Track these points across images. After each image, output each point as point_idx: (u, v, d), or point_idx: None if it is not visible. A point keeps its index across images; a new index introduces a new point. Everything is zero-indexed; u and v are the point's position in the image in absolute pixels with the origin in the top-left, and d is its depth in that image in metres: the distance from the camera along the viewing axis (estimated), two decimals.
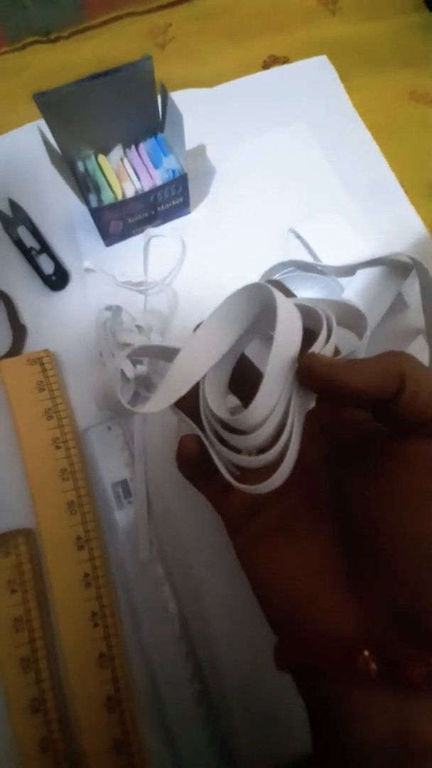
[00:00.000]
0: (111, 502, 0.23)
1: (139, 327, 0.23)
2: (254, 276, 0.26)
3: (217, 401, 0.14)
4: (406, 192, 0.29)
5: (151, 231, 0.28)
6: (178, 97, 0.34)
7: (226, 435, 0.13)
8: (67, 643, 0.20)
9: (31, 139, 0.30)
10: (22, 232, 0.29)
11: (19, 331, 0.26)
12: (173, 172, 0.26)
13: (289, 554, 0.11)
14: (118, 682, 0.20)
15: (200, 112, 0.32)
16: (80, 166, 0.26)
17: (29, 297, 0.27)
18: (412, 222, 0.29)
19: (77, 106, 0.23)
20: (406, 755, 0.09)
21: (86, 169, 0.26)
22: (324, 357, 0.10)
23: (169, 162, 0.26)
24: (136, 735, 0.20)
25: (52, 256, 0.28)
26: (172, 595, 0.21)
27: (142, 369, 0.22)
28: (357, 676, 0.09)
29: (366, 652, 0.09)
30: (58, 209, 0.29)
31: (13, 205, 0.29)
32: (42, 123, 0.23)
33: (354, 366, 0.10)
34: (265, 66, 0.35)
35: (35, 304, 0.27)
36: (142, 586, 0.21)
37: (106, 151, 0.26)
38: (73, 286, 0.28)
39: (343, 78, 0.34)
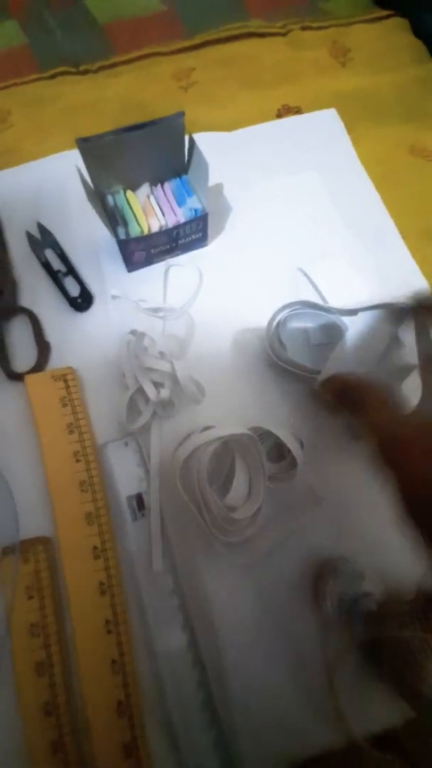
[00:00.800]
0: (125, 514, 0.24)
1: (161, 353, 0.25)
2: (265, 308, 0.28)
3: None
4: (403, 238, 0.32)
5: (170, 260, 0.31)
6: (199, 138, 0.37)
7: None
8: (81, 648, 0.21)
9: (61, 167, 0.32)
10: (50, 255, 0.30)
11: (44, 348, 0.28)
12: (196, 211, 0.28)
13: None
14: (128, 688, 0.21)
15: (218, 154, 0.35)
16: (110, 200, 0.28)
17: (55, 317, 0.29)
18: (409, 265, 0.32)
19: (113, 150, 0.25)
20: None
21: (115, 204, 0.28)
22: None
23: (193, 202, 0.28)
24: (144, 739, 0.21)
25: (78, 279, 0.30)
26: (181, 606, 0.23)
27: (165, 393, 0.24)
28: None
29: None
30: (84, 235, 0.31)
31: (42, 229, 0.31)
32: (75, 157, 0.25)
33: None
34: (279, 115, 0.38)
35: (60, 324, 0.29)
36: (152, 595, 0.23)
37: (134, 188, 0.29)
38: (96, 308, 0.29)
39: (350, 129, 0.37)
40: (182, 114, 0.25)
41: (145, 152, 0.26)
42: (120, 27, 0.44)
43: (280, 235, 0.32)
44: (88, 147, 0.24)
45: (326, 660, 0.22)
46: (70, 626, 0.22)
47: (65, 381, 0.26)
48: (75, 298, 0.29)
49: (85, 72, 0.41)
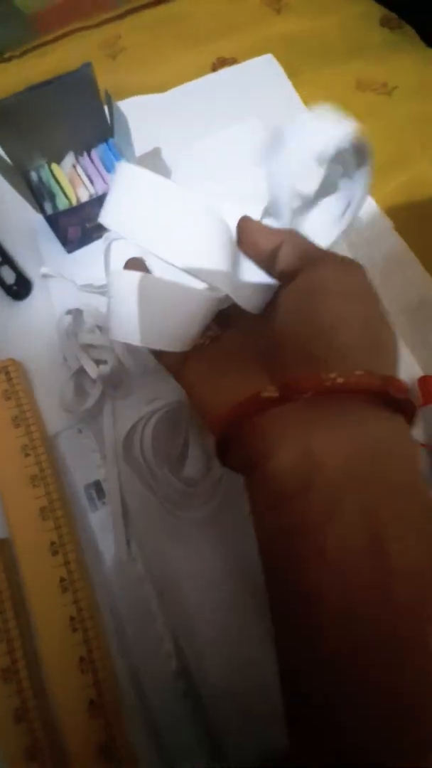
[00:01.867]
0: (84, 504, 0.23)
1: (100, 327, 0.23)
2: None
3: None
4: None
5: (110, 234, 0.29)
6: (130, 103, 0.35)
7: None
8: (46, 649, 0.20)
9: None
10: None
11: None
12: None
13: (228, 384, 0.14)
14: (100, 685, 0.20)
15: (154, 117, 0.33)
16: (34, 176, 0.26)
17: None
18: (368, 204, 0.29)
19: (24, 117, 0.23)
20: (311, 475, 0.11)
21: (40, 179, 0.26)
22: (249, 220, 0.15)
23: None
24: (123, 738, 0.19)
25: (13, 267, 0.28)
26: (154, 593, 0.21)
27: (105, 369, 0.22)
28: (263, 402, 0.12)
29: (270, 387, 0.12)
30: (17, 220, 0.29)
31: None
32: None
33: (260, 228, 0.15)
34: (214, 68, 0.36)
35: None
36: (122, 586, 0.21)
37: (59, 160, 0.27)
38: (36, 294, 0.28)
39: (292, 74, 0.35)
40: (89, 64, 0.23)
41: (61, 116, 0.24)
42: (47, 13, 0.42)
43: (225, 189, 0.30)
44: None
45: None
46: (33, 627, 0.20)
47: (7, 373, 0.25)
48: (11, 286, 0.27)
49: (10, 58, 0.39)
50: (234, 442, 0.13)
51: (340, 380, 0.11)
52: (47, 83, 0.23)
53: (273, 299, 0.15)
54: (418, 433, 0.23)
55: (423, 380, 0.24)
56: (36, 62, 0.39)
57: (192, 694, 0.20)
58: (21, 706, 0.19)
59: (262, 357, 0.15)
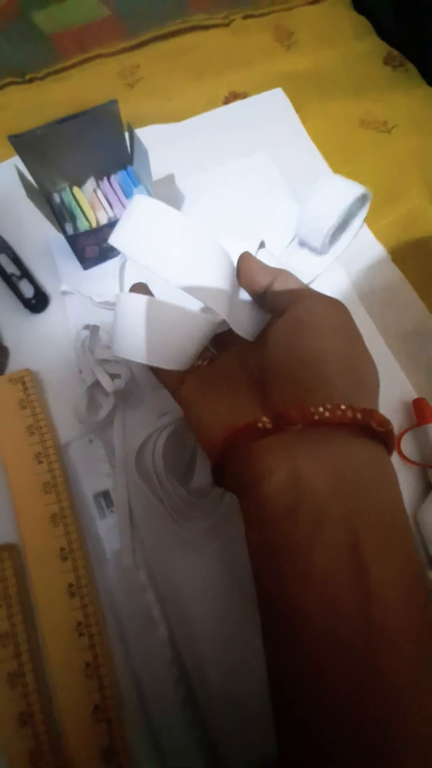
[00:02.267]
0: (93, 512, 0.23)
1: None
2: None
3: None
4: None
5: (125, 255, 0.30)
6: (147, 132, 0.37)
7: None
8: (52, 654, 0.21)
9: (9, 174, 0.32)
10: (3, 259, 0.30)
11: (0, 353, 0.27)
12: None
13: (223, 408, 0.16)
14: (104, 691, 0.20)
15: (169, 145, 0.35)
16: (56, 198, 0.28)
17: (11, 320, 0.29)
18: (366, 237, 0.31)
19: (50, 145, 0.25)
20: (299, 498, 0.12)
21: (62, 201, 0.28)
22: (249, 256, 0.17)
23: (139, 191, 0.28)
24: (125, 742, 0.20)
25: (32, 281, 0.29)
26: (156, 601, 0.22)
27: (120, 383, 0.23)
28: (258, 432, 0.13)
29: (264, 417, 0.13)
30: (37, 238, 0.31)
31: None
32: (18, 160, 0.25)
33: (258, 265, 0.17)
34: (227, 102, 0.38)
35: (17, 327, 0.28)
36: (125, 593, 0.22)
37: (80, 184, 0.28)
38: (52, 308, 0.29)
39: (299, 108, 0.37)
40: (115, 102, 0.25)
41: (84, 144, 0.26)
42: (66, 36, 0.44)
43: (235, 219, 0.32)
44: (21, 142, 0.24)
45: None
46: (41, 632, 0.21)
47: (23, 383, 0.26)
48: (29, 300, 0.28)
49: (31, 80, 0.41)
50: (229, 465, 0.14)
51: (327, 414, 0.12)
52: (75, 116, 0.24)
53: (264, 330, 0.17)
54: (412, 452, 0.25)
55: (417, 402, 0.25)
56: (56, 86, 0.41)
57: (192, 702, 0.20)
58: (26, 710, 0.20)
59: (253, 382, 0.16)
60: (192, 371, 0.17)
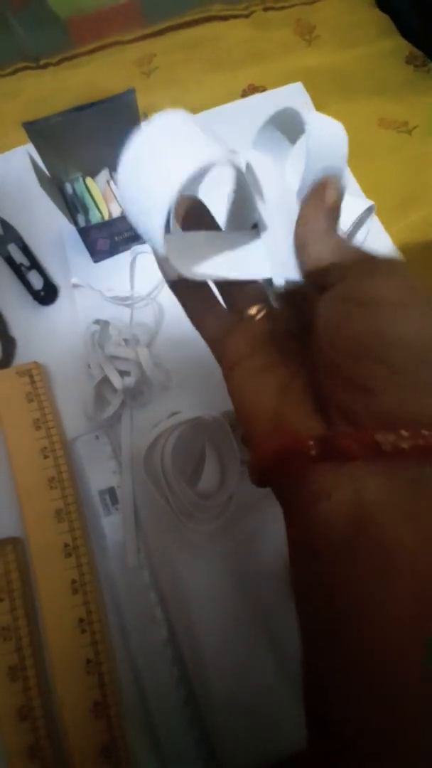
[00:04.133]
0: (98, 509, 0.23)
1: (126, 340, 0.24)
2: None
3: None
4: (376, 211, 0.31)
5: (137, 248, 0.30)
6: None
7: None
8: (54, 650, 0.21)
9: (21, 161, 0.31)
10: (13, 249, 0.30)
11: (8, 344, 0.27)
12: None
13: (271, 387, 0.13)
14: (105, 688, 0.20)
15: None
16: (69, 188, 0.27)
17: (19, 311, 0.28)
18: (382, 240, 0.31)
19: (64, 134, 0.24)
20: (361, 530, 0.10)
21: (74, 191, 0.27)
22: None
23: None
24: (124, 740, 0.20)
25: (42, 272, 0.29)
26: (159, 601, 0.22)
27: (129, 381, 0.23)
28: (307, 457, 0.11)
29: (311, 441, 0.11)
30: (48, 228, 0.30)
31: (4, 224, 0.30)
32: (31, 148, 0.24)
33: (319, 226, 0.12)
34: (245, 95, 0.37)
35: (25, 318, 0.28)
36: (129, 591, 0.22)
37: (94, 174, 0.28)
38: (62, 301, 0.29)
39: (318, 105, 0.36)
40: (133, 91, 0.24)
41: (99, 134, 0.25)
42: (82, 21, 0.43)
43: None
44: (35, 129, 0.23)
45: None
46: (43, 627, 0.21)
47: (30, 376, 0.25)
48: (38, 291, 0.28)
49: (46, 65, 0.40)
50: (277, 474, 0.12)
51: (403, 445, 0.09)
52: (91, 105, 0.24)
53: (309, 306, 0.13)
54: None
55: None
56: (71, 72, 0.40)
57: (192, 702, 0.20)
58: (26, 705, 0.20)
59: (308, 375, 0.13)
60: (242, 323, 0.14)
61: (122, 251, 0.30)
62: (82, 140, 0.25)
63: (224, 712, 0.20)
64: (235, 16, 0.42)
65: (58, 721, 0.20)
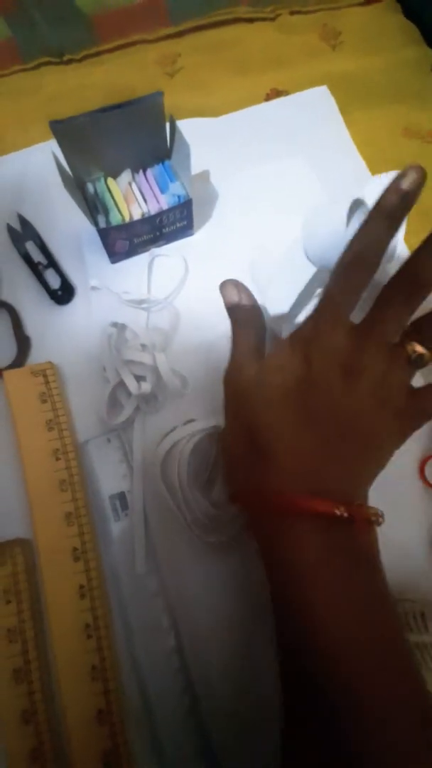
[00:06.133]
0: (108, 513, 0.23)
1: (143, 345, 0.24)
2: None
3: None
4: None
5: (155, 250, 0.30)
6: (185, 125, 0.35)
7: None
8: (59, 654, 0.21)
9: (42, 158, 0.31)
10: (30, 247, 0.30)
11: (23, 343, 0.27)
12: (179, 197, 0.27)
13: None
14: (109, 695, 0.20)
15: (206, 140, 0.33)
16: (90, 188, 0.27)
17: (35, 310, 0.28)
18: (399, 247, 0.30)
19: (90, 134, 0.24)
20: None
21: (95, 191, 0.27)
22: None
23: (176, 188, 0.27)
24: (126, 747, 0.20)
25: (59, 271, 0.29)
26: (166, 608, 0.22)
27: (146, 387, 0.23)
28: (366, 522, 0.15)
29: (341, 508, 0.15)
30: (66, 226, 0.30)
31: (23, 221, 0.30)
32: (54, 145, 0.24)
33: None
34: (268, 99, 0.37)
35: (40, 317, 0.28)
36: (136, 598, 0.22)
37: (115, 175, 0.28)
38: (78, 301, 0.28)
39: (342, 112, 0.36)
40: (161, 94, 0.24)
41: (124, 136, 0.25)
42: (106, 17, 0.43)
43: (268, 222, 0.31)
44: (62, 129, 0.23)
45: None
46: (48, 631, 0.21)
47: (45, 376, 0.25)
48: (55, 291, 0.28)
49: (69, 61, 0.40)
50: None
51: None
52: (119, 106, 0.23)
53: None
54: None
55: None
56: (94, 69, 0.40)
57: (196, 711, 0.20)
58: (30, 708, 0.20)
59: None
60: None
61: (140, 253, 0.30)
62: (105, 140, 0.25)
63: (228, 722, 0.20)
64: (261, 19, 0.42)
65: (61, 726, 0.20)
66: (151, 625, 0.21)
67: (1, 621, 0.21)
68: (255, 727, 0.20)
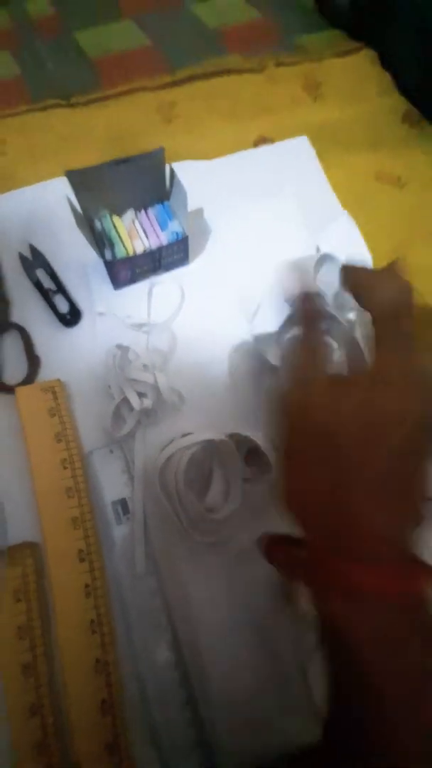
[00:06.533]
0: (110, 518, 0.25)
1: (144, 365, 0.27)
2: (242, 322, 0.30)
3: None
4: (374, 259, 0.35)
5: (154, 279, 0.33)
6: (181, 166, 0.39)
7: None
8: (66, 649, 0.22)
9: (52, 192, 0.34)
10: (41, 274, 0.32)
11: (33, 362, 0.29)
12: (177, 234, 0.30)
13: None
14: (111, 687, 0.22)
15: (199, 180, 0.37)
16: (98, 224, 0.30)
17: (44, 332, 0.31)
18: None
19: (100, 181, 0.27)
20: None
21: (102, 228, 0.30)
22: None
23: (174, 225, 0.31)
24: (126, 738, 0.21)
25: (67, 297, 0.32)
26: (164, 607, 0.24)
27: (147, 403, 0.25)
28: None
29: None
30: (73, 256, 0.33)
31: (34, 250, 0.33)
32: (65, 186, 0.27)
33: None
34: (256, 145, 0.41)
35: (50, 339, 0.31)
36: (136, 597, 0.24)
37: (120, 213, 0.31)
38: (84, 324, 0.31)
39: (320, 158, 0.40)
40: (162, 150, 0.28)
41: (129, 182, 0.29)
42: (108, 61, 0.48)
43: (257, 256, 0.35)
44: (76, 178, 0.26)
45: (302, 656, 0.23)
46: (56, 628, 0.23)
47: (53, 392, 0.28)
48: (64, 315, 0.31)
49: (75, 105, 0.44)
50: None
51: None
52: (127, 160, 0.27)
53: None
54: None
55: None
56: (98, 113, 0.44)
57: (192, 704, 0.22)
58: (37, 702, 0.21)
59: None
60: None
61: (140, 281, 0.33)
62: (113, 185, 0.28)
63: (222, 716, 0.22)
64: (250, 71, 0.47)
65: (66, 718, 0.21)
66: (149, 622, 0.23)
67: (12, 619, 0.22)
68: (249, 717, 0.22)
